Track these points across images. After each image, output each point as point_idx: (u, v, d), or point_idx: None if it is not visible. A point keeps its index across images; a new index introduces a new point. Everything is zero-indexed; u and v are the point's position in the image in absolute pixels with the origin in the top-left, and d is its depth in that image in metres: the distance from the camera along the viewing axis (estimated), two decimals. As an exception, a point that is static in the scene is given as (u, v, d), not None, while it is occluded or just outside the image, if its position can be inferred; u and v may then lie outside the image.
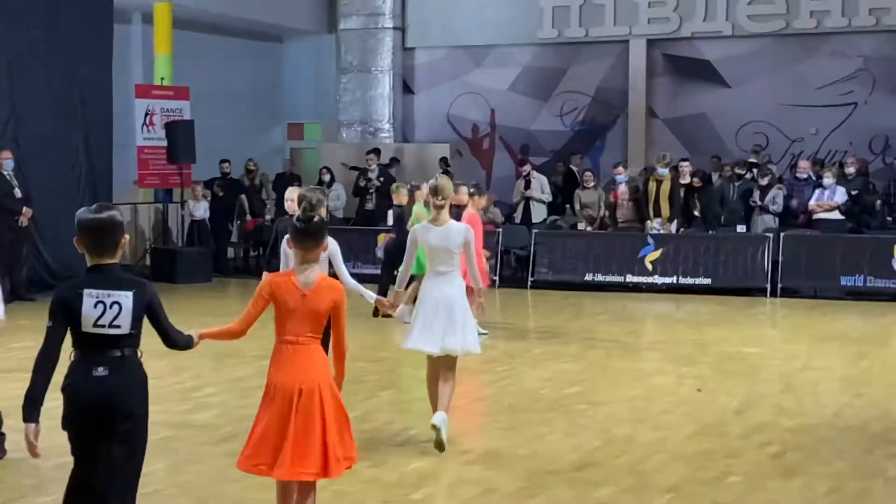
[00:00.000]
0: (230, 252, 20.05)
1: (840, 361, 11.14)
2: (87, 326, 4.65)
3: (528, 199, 18.33)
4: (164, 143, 18.61)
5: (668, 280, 16.48)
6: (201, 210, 18.89)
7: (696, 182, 17.23)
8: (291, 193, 10.55)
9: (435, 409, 7.49)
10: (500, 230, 17.76)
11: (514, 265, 18.22)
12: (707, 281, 16.31)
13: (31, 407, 4.61)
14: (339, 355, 5.42)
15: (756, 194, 17.01)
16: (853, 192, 16.91)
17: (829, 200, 16.55)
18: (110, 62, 17.68)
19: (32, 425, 4.60)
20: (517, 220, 18.15)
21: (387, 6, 22.50)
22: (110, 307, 4.66)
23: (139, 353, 4.83)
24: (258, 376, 9.98)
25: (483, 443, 7.72)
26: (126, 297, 4.70)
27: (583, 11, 21.62)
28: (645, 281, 16.54)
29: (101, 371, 4.70)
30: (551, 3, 21.80)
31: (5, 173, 15.25)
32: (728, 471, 7.09)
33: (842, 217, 16.58)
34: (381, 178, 19.18)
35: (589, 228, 17.79)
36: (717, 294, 16.01)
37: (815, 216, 16.59)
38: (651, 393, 9.55)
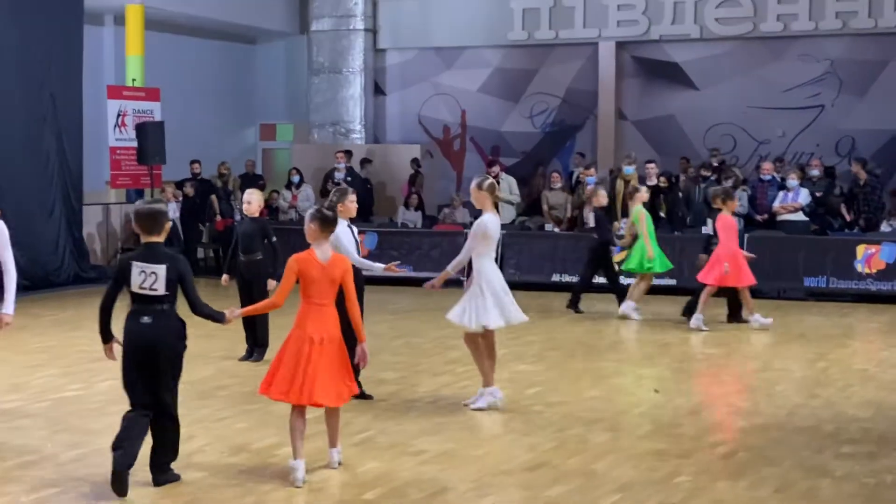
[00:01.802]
0: (200, 252, 20.09)
1: (799, 362, 11.29)
2: (134, 287, 6.66)
3: (497, 201, 18.39)
4: (136, 144, 18.64)
5: (634, 280, 16.57)
6: (171, 211, 18.90)
7: (663, 182, 17.38)
8: (249, 196, 10.67)
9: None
10: (468, 231, 17.85)
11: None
12: (672, 281, 16.45)
13: (102, 335, 6.85)
14: (354, 310, 7.10)
15: (721, 196, 17.16)
16: (817, 194, 17.10)
17: (792, 202, 16.74)
18: (81, 63, 17.72)
19: (105, 344, 6.85)
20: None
21: (358, 8, 22.58)
22: (150, 275, 6.60)
23: (175, 308, 6.73)
24: (221, 376, 10.13)
25: (439, 443, 7.82)
26: (161, 269, 6.61)
27: (553, 14, 21.77)
28: (611, 282, 16.65)
29: (146, 319, 6.68)
30: (521, 5, 21.94)
31: (-27, 175, 15.25)
32: (678, 471, 7.21)
33: (805, 218, 16.78)
34: (349, 179, 19.26)
35: (556, 229, 17.92)
36: (683, 294, 16.13)
37: (779, 217, 16.78)
38: (609, 393, 9.68)
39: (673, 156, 20.47)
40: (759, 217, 17.19)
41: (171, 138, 18.82)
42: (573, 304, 14.75)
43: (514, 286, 16.07)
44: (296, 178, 19.91)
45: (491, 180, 8.96)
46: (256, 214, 10.81)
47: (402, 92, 23.08)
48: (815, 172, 17.73)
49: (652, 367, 10.92)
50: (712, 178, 17.39)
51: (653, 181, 17.29)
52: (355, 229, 9.20)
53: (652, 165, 17.59)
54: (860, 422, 8.61)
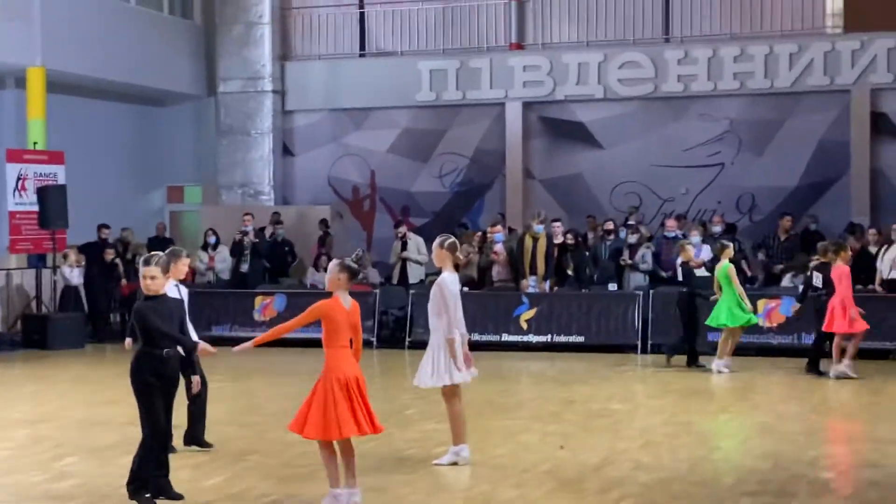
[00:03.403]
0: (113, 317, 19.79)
1: (701, 416, 11.46)
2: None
3: (404, 261, 18.50)
4: (37, 208, 18.35)
5: (542, 338, 16.79)
6: (75, 276, 18.63)
7: (570, 240, 17.61)
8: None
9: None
10: (377, 291, 17.89)
11: (391, 326, 18.32)
12: (580, 339, 16.65)
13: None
14: (359, 352, 7.76)
15: (626, 253, 17.49)
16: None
17: (695, 258, 17.04)
18: (-20, 126, 17.46)
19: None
20: (394, 282, 18.31)
21: (266, 70, 22.65)
22: None
23: (141, 346, 7.67)
24: (124, 443, 9.92)
25: (343, 506, 7.76)
26: None
27: (460, 75, 22.06)
28: (520, 340, 16.81)
29: None
30: (429, 66, 22.21)
31: None
32: (581, 527, 7.25)
33: (708, 274, 17.07)
34: (257, 240, 19.20)
35: (465, 289, 17.99)
36: (590, 351, 16.35)
37: (683, 274, 17.06)
38: (516, 451, 9.71)
39: (580, 214, 20.77)
40: (664, 273, 17.47)
41: (76, 202, 18.58)
42: (692, 362, 14.83)
43: (423, 345, 16.12)
44: (212, 240, 19.75)
45: (452, 240, 9.09)
46: (159, 277, 10.67)
47: (311, 153, 23.12)
48: (717, 229, 18.11)
49: (558, 423, 10.99)
50: (622, 235, 17.69)
51: (559, 239, 17.51)
52: (184, 290, 9.31)
53: (558, 224, 17.83)
54: (759, 473, 8.75)
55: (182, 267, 9.38)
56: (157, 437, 7.70)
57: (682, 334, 15.10)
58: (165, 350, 7.71)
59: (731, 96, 20.97)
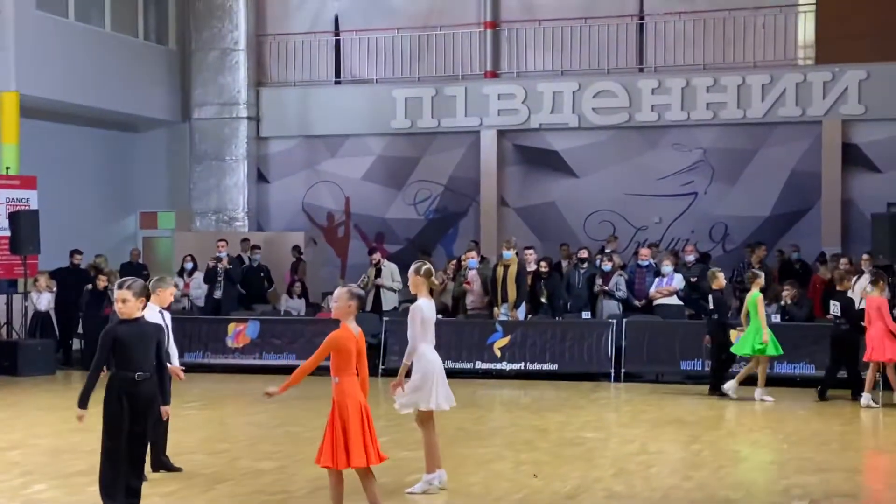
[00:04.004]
0: (76, 344, 19.63)
1: (674, 445, 11.46)
2: None
3: (378, 288, 18.47)
4: (8, 233, 18.23)
5: (515, 366, 16.77)
6: (45, 301, 18.47)
7: (543, 268, 17.63)
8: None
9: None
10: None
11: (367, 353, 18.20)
12: (554, 367, 16.64)
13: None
14: (366, 380, 7.71)
15: (599, 280, 17.54)
16: (692, 279, 17.52)
17: (667, 286, 17.14)
18: (-48, 150, 17.36)
19: None
20: (368, 308, 18.23)
21: (241, 96, 22.66)
22: None
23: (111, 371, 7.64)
24: (93, 471, 9.81)
25: (315, 535, 7.71)
26: None
27: (435, 103, 22.15)
28: (493, 367, 16.79)
29: None
30: (404, 94, 22.29)
31: None
32: (553, 556, 7.22)
33: (680, 303, 17.17)
34: (230, 266, 19.14)
35: (439, 316, 17.97)
36: (564, 379, 16.35)
37: (655, 302, 17.14)
38: (488, 479, 9.68)
39: (554, 242, 20.83)
40: (637, 302, 17.54)
41: (48, 227, 18.47)
42: (714, 389, 14.85)
43: (396, 373, 16.06)
44: (189, 266, 19.64)
45: (428, 266, 9.17)
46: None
47: (286, 179, 23.12)
48: (690, 258, 18.20)
49: (531, 451, 10.96)
50: (596, 262, 17.76)
51: (532, 267, 17.54)
52: (168, 316, 9.62)
53: (530, 252, 17.86)
54: (732, 503, 8.75)
55: (168, 295, 9.58)
56: (111, 458, 7.64)
57: (718, 366, 15.09)
58: (138, 373, 7.63)
59: (704, 126, 21.14)
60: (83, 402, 7.59)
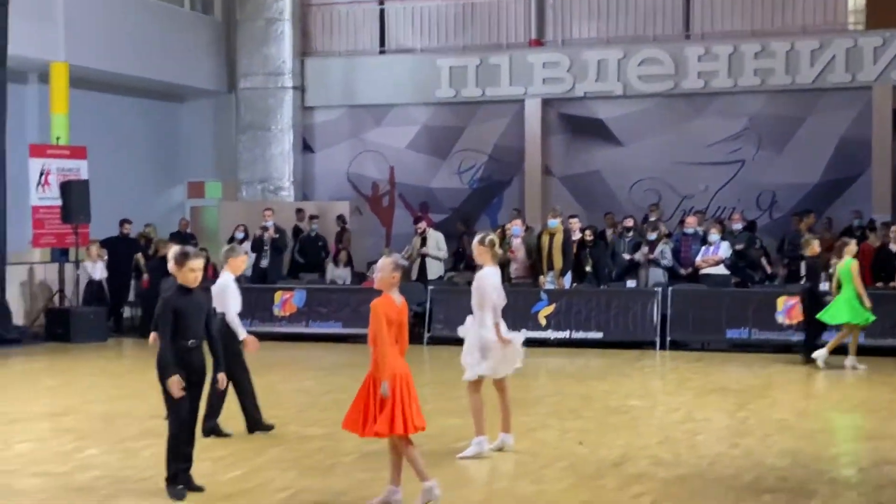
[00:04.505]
0: (127, 311, 19.92)
1: (720, 413, 11.45)
2: None
3: (424, 256, 18.54)
4: (60, 203, 18.47)
5: (560, 335, 16.79)
6: (98, 270, 18.74)
7: (588, 237, 17.60)
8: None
9: None
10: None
11: (410, 322, 18.30)
12: (599, 335, 16.65)
13: None
14: (404, 349, 7.63)
15: (644, 249, 17.49)
16: (738, 248, 17.43)
17: (713, 255, 17.06)
18: (4, 122, 17.56)
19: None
20: (413, 277, 18.33)
21: (286, 66, 22.72)
22: None
23: (162, 342, 7.66)
24: (146, 436, 10.01)
25: (363, 499, 7.79)
26: None
27: (479, 72, 22.09)
28: (538, 336, 16.78)
29: None
30: (448, 63, 22.24)
31: None
32: (600, 522, 7.28)
33: (727, 272, 17.09)
34: (277, 235, 19.29)
35: (484, 285, 18.00)
36: (609, 348, 16.35)
37: (702, 271, 17.07)
38: (534, 447, 9.73)
39: (599, 211, 20.77)
40: (682, 271, 17.47)
41: (97, 196, 18.69)
42: (808, 357, 14.74)
43: (442, 341, 16.21)
44: (240, 235, 19.77)
45: (492, 236, 9.38)
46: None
47: (331, 149, 23.19)
48: (737, 226, 18.09)
49: (576, 419, 11.00)
50: (647, 232, 17.74)
51: (576, 236, 17.51)
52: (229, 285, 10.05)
53: (575, 220, 17.83)
54: (778, 471, 8.75)
55: (240, 262, 10.05)
56: (182, 430, 7.74)
57: (805, 329, 15.00)
58: (191, 341, 7.74)
59: (751, 93, 20.93)
60: (172, 371, 7.61)
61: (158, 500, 7.81)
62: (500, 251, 9.55)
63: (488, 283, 9.19)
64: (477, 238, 9.36)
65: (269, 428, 10.21)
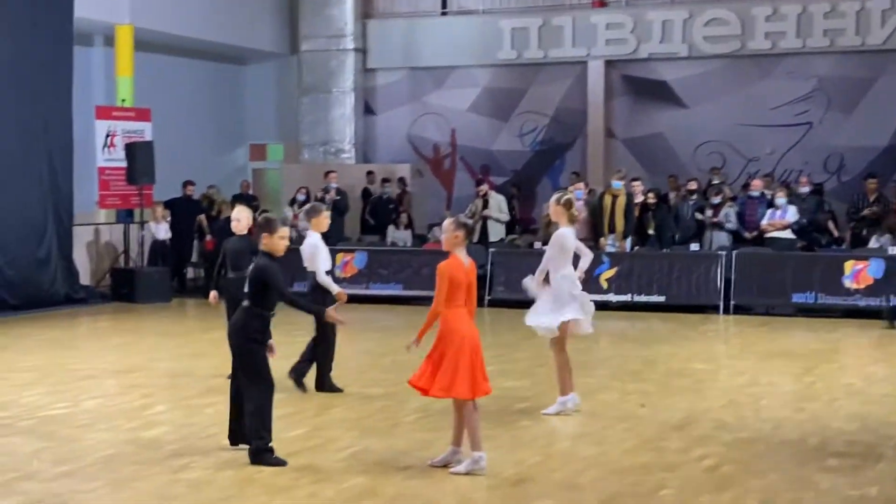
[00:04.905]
0: (190, 272, 20.13)
1: (785, 377, 11.33)
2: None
3: (485, 219, 18.50)
4: (125, 164, 18.67)
5: (622, 298, 16.68)
6: (162, 231, 18.95)
7: (651, 199, 17.42)
8: (238, 213, 10.78)
9: None
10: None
11: (472, 284, 18.32)
12: (661, 298, 16.51)
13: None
14: (473, 312, 7.51)
15: (709, 212, 17.29)
16: (802, 220, 17.13)
17: (780, 219, 16.81)
18: (71, 84, 17.74)
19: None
20: (475, 240, 18.30)
21: (348, 28, 22.69)
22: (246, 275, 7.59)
23: (254, 307, 7.47)
24: (209, 394, 10.13)
25: (425, 459, 7.81)
26: (249, 270, 7.55)
27: (542, 33, 21.90)
28: (600, 299, 16.62)
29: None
30: (511, 24, 22.07)
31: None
32: (662, 484, 7.23)
33: (793, 236, 16.84)
34: (339, 197, 19.34)
35: (545, 247, 17.93)
36: (671, 311, 16.22)
37: (767, 235, 16.83)
38: (595, 409, 9.69)
39: (662, 174, 20.56)
40: (747, 234, 17.25)
41: (161, 158, 18.85)
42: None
43: (502, 304, 16.19)
44: (302, 197, 19.79)
45: (569, 196, 9.53)
46: (244, 232, 10.79)
47: (392, 111, 23.17)
48: (804, 189, 17.81)
49: (639, 382, 10.94)
50: (709, 194, 17.49)
51: (639, 198, 17.34)
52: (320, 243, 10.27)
53: (637, 183, 17.64)
54: (845, 435, 8.64)
55: (324, 220, 10.27)
56: (269, 395, 7.60)
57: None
58: (273, 312, 7.64)
59: (820, 54, 20.54)
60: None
61: (223, 454, 7.89)
62: (576, 212, 9.54)
63: (566, 242, 9.33)
64: (554, 198, 9.50)
65: (338, 390, 10.28)
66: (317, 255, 10.15)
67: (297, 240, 19.37)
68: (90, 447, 8.17)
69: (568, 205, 9.36)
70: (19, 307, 16.29)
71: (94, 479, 7.30)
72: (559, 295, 9.35)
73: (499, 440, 8.48)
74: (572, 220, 9.44)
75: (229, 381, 10.62)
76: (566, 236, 9.37)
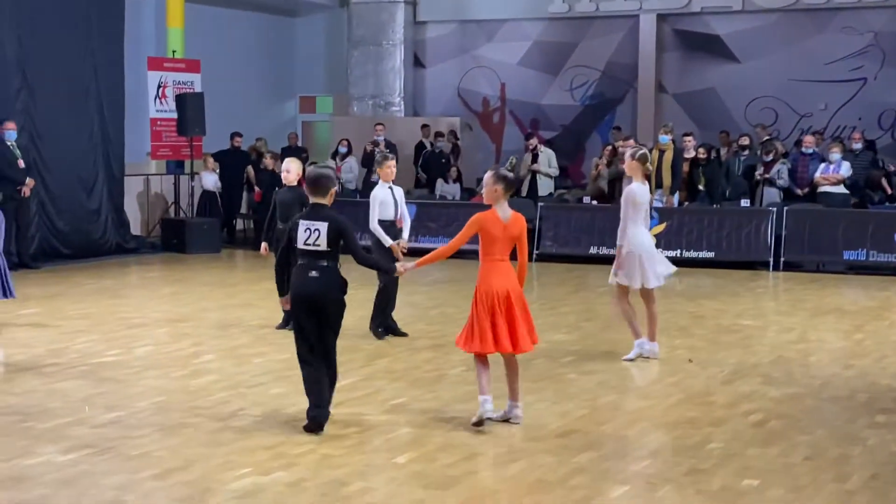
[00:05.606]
0: (239, 223, 20.29)
1: (835, 334, 11.24)
2: (300, 244, 7.18)
3: (534, 173, 18.43)
4: (176, 115, 18.79)
5: (671, 253, 16.43)
6: (211, 182, 19.09)
7: (702, 154, 17.26)
8: (288, 165, 10.84)
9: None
10: (506, 203, 17.84)
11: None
12: (710, 254, 16.40)
13: (279, 288, 7.47)
14: (524, 267, 7.44)
15: (760, 169, 17.10)
16: (858, 167, 16.92)
17: (834, 174, 16.60)
18: (122, 35, 17.83)
19: (281, 297, 7.46)
20: (523, 194, 18.25)
21: (398, -20, 22.58)
22: (314, 232, 7.12)
23: (339, 265, 7.22)
24: (257, 344, 10.24)
25: (471, 411, 7.85)
26: (323, 226, 7.12)
27: (593, -14, 21.67)
28: (648, 254, 16.59)
29: (314, 273, 7.16)
30: (562, -23, 21.86)
31: (8, 143, 15.34)
32: (709, 438, 7.22)
33: (846, 191, 16.63)
34: (388, 150, 19.29)
35: (594, 202, 17.88)
36: (721, 268, 16.11)
37: (820, 189, 16.63)
38: (643, 363, 9.69)
39: (713, 129, 20.34)
40: (799, 191, 17.06)
41: (210, 110, 18.95)
42: None
43: (551, 258, 16.15)
44: (343, 149, 19.91)
45: (643, 151, 9.60)
46: (295, 183, 10.81)
47: (442, 65, 23.07)
48: (857, 146, 17.56)
49: (686, 337, 10.91)
50: (758, 152, 17.26)
51: (691, 154, 17.18)
52: (399, 191, 10.51)
53: (689, 138, 17.47)
54: (894, 392, 8.57)
55: (388, 169, 10.42)
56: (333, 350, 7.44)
57: None
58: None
59: (877, 8, 20.15)
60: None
61: (272, 402, 7.99)
62: (650, 167, 9.74)
63: (633, 198, 9.42)
64: (629, 152, 9.61)
65: (402, 334, 10.73)
66: (372, 204, 10.35)
67: (342, 192, 19.64)
68: (140, 394, 8.30)
69: (643, 159, 9.46)
70: (72, 256, 16.53)
71: (144, 425, 7.42)
72: (630, 254, 9.56)
73: (545, 393, 8.51)
74: (647, 176, 9.54)
75: (280, 327, 10.74)
76: (636, 192, 9.45)
